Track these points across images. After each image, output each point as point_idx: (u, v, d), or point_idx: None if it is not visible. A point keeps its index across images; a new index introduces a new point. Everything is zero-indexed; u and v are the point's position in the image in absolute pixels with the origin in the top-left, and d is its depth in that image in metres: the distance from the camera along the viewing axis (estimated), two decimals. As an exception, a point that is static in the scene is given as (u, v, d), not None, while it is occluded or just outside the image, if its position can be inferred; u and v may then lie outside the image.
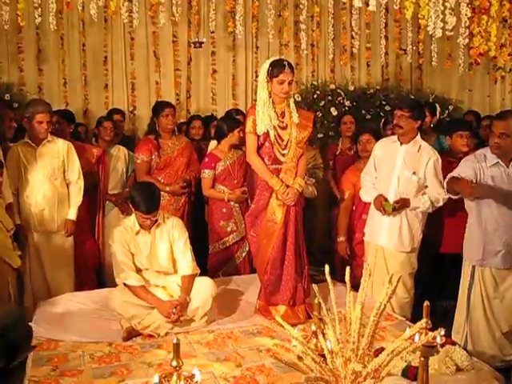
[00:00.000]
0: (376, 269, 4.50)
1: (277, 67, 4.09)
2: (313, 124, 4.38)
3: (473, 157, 4.11)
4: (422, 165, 4.45)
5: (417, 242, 4.56)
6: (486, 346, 4.04)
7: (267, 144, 4.19)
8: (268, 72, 4.11)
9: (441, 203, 4.46)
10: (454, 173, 4.04)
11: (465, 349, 3.88)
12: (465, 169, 4.03)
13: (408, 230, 4.50)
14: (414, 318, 4.24)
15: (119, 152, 5.62)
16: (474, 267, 4.06)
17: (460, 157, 5.05)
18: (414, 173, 4.43)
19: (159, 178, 5.29)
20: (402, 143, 4.52)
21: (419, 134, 4.55)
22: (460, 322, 4.14)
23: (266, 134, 4.16)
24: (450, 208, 4.64)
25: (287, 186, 4.18)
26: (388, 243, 4.55)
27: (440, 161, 4.49)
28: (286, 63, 4.10)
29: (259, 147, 4.22)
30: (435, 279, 5.02)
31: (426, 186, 4.48)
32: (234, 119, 5.35)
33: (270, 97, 4.15)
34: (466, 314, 4.09)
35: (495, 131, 3.90)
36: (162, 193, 5.26)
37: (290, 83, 4.11)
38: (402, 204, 4.43)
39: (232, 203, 5.20)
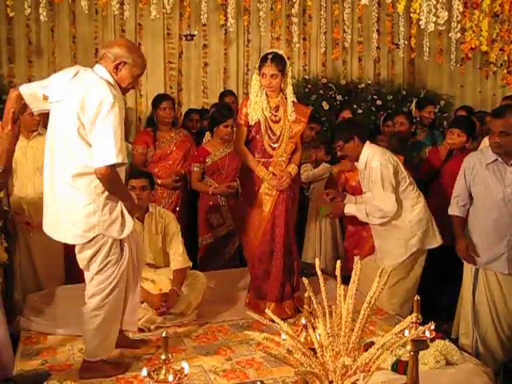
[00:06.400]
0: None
1: (262, 60, 4.10)
2: (307, 119, 4.36)
3: (470, 157, 3.99)
4: (369, 180, 4.35)
5: (416, 244, 4.39)
6: (495, 350, 3.90)
7: (258, 137, 4.18)
8: (258, 65, 4.13)
9: (376, 215, 4.29)
10: (455, 186, 4.03)
11: (477, 352, 3.87)
12: (459, 183, 3.99)
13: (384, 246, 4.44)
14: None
15: None
16: (477, 270, 3.94)
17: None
18: (365, 192, 4.41)
19: (155, 171, 5.28)
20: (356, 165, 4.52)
21: (366, 146, 4.38)
22: (468, 327, 3.99)
23: (258, 127, 4.15)
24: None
25: (274, 174, 4.16)
26: (383, 262, 4.41)
27: (381, 166, 4.24)
28: (269, 56, 4.06)
29: (250, 140, 4.21)
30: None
31: None
32: (222, 113, 5.33)
33: (263, 89, 4.14)
34: (472, 318, 3.95)
35: (494, 130, 3.73)
36: (155, 186, 5.27)
37: (274, 77, 4.07)
38: (334, 209, 4.51)
39: (219, 197, 5.20)
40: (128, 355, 3.54)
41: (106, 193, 3.11)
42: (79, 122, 3.01)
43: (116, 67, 3.11)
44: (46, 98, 3.18)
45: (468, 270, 4.01)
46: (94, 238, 3.13)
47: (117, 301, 3.25)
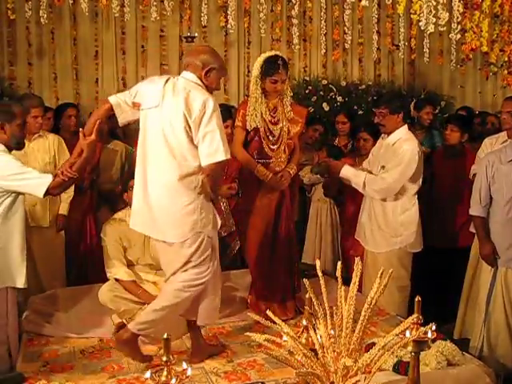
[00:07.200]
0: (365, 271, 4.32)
1: (271, 66, 4.04)
2: (305, 120, 4.36)
3: (489, 156, 3.95)
4: (393, 157, 4.25)
5: (399, 243, 4.34)
6: (505, 352, 3.84)
7: (257, 138, 4.18)
8: (262, 69, 4.08)
9: (376, 187, 4.22)
10: (474, 186, 3.97)
11: (480, 354, 3.82)
12: (479, 182, 3.92)
13: (377, 229, 4.36)
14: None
15: (116, 147, 5.56)
16: (496, 269, 3.88)
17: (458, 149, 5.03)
18: (383, 167, 4.28)
19: None
20: (383, 138, 4.45)
21: (405, 127, 4.35)
22: (478, 326, 3.94)
23: (257, 129, 4.15)
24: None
25: (273, 174, 4.15)
26: (363, 241, 4.48)
27: (413, 153, 4.20)
28: (280, 62, 4.04)
29: (249, 141, 4.21)
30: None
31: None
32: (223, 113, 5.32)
33: (263, 93, 4.13)
34: (484, 316, 3.89)
35: None
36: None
37: (283, 82, 4.08)
38: (332, 168, 4.41)
39: (220, 198, 5.18)
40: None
41: (203, 193, 3.30)
42: (186, 123, 3.17)
43: (206, 73, 3.32)
44: (137, 105, 3.34)
45: (486, 269, 3.94)
46: (192, 236, 3.29)
47: (192, 295, 3.36)
